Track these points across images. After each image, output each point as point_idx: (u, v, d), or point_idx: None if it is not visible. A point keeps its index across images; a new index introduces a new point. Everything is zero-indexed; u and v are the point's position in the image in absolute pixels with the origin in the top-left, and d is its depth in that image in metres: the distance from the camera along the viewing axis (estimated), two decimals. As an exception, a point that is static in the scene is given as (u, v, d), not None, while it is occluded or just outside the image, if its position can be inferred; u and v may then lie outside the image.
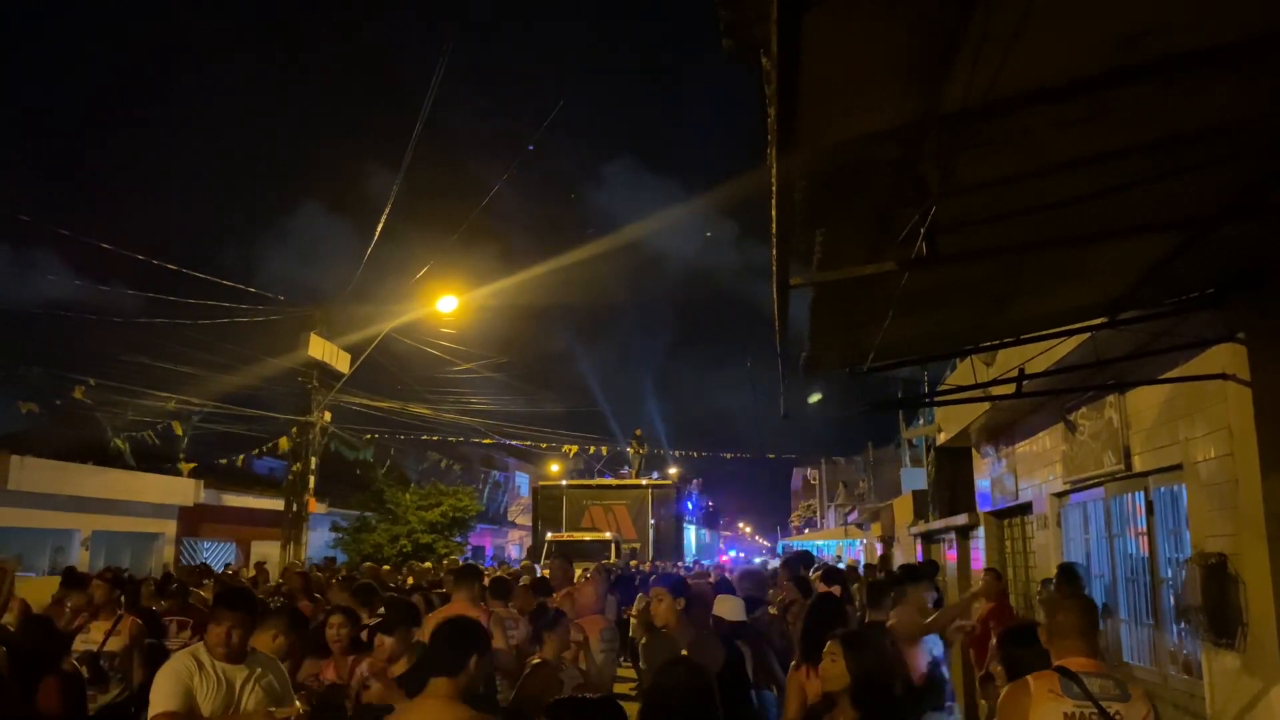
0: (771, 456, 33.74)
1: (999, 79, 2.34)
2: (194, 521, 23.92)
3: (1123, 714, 3.34)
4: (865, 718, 3.80)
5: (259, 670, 4.46)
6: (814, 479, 53.09)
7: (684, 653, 4.74)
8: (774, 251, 2.81)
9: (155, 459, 22.47)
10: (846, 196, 3.20)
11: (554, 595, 8.55)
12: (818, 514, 51.70)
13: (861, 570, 16.96)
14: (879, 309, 4.44)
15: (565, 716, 3.32)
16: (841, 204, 3.25)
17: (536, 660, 5.45)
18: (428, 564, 20.90)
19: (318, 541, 25.41)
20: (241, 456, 23.95)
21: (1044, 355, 7.41)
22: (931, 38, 2.21)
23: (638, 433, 30.65)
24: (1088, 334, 6.65)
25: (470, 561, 18.87)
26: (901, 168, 2.88)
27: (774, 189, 2.36)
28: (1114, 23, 2.38)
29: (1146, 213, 3.64)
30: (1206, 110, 3.04)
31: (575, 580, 9.35)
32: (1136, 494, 7.82)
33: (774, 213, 2.47)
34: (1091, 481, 8.71)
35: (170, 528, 23.09)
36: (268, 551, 22.68)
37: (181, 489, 22.80)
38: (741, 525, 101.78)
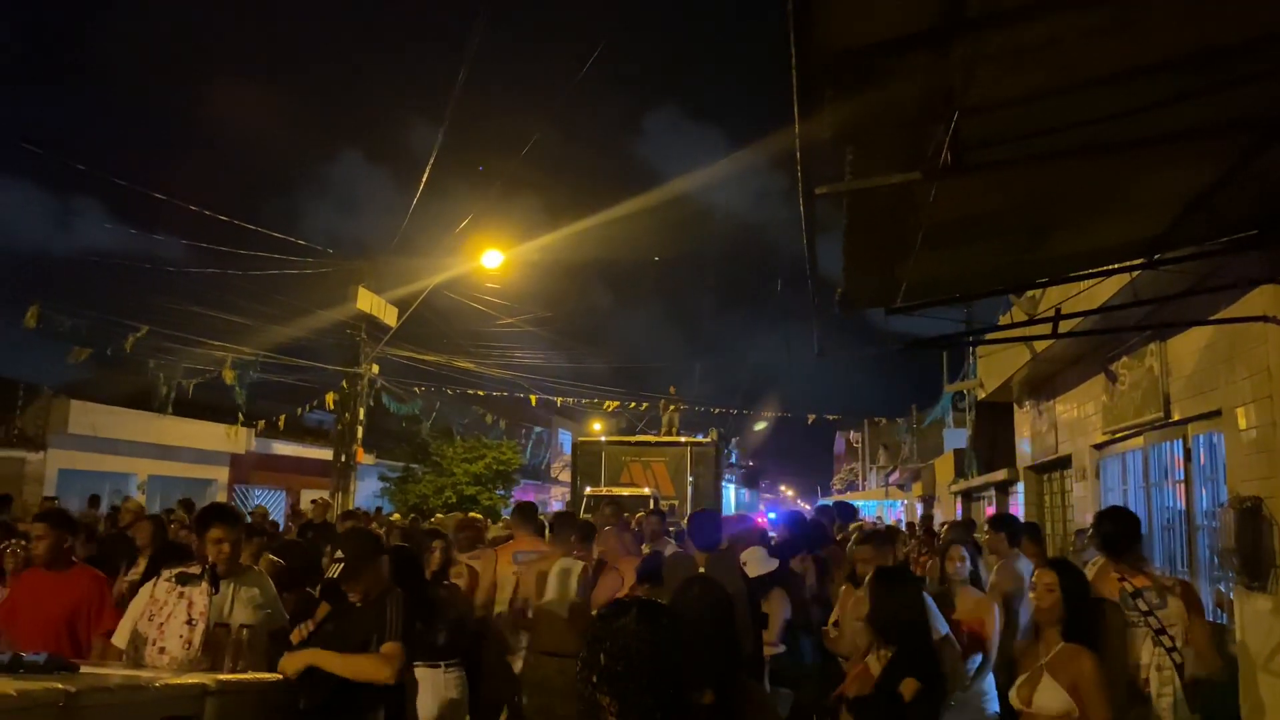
0: (812, 418, 33.33)
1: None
2: (246, 469, 24.66)
3: None
4: (899, 653, 4.15)
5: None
6: (856, 442, 52.83)
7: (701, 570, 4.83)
8: (798, 154, 2.85)
9: (209, 408, 23.09)
10: (875, 111, 3.22)
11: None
12: (860, 477, 51.55)
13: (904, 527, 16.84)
14: (910, 237, 4.46)
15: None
16: (871, 119, 3.27)
17: None
18: (473, 513, 21.24)
19: (365, 491, 25.97)
20: (301, 409, 24.43)
21: (1082, 296, 7.37)
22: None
23: (671, 390, 30.53)
24: (1128, 276, 6.59)
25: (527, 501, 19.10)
26: (929, 77, 2.90)
27: (794, 78, 2.39)
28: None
29: (1183, 131, 3.61)
30: (1251, 17, 2.97)
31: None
32: (1175, 442, 7.76)
33: (795, 109, 2.51)
34: (1130, 431, 8.65)
35: (223, 474, 23.82)
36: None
37: (234, 437, 23.44)
38: (783, 488, 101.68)
